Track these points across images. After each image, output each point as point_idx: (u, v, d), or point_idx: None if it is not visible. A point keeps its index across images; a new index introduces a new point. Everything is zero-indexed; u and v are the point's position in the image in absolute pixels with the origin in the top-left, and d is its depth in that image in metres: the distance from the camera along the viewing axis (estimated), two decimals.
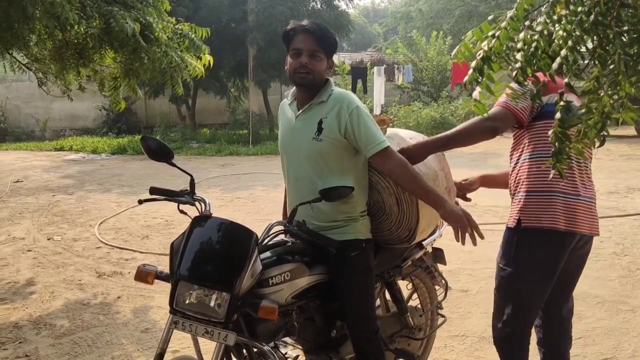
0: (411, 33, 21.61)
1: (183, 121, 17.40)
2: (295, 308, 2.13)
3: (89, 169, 11.43)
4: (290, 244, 2.21)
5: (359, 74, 17.15)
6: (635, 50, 1.35)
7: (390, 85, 18.00)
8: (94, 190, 8.87)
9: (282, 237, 2.20)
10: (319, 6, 15.92)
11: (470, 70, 1.66)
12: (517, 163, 2.25)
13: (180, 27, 4.34)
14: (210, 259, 1.92)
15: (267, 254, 2.10)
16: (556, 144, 1.46)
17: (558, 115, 1.44)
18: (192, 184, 2.14)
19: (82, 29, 3.98)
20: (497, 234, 5.57)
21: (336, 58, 18.68)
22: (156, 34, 3.85)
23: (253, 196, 7.92)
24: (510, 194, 2.28)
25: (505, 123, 2.17)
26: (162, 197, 2.15)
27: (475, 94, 1.85)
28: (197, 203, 2.09)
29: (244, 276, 1.82)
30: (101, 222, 6.55)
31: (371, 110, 16.77)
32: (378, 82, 16.16)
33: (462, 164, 9.12)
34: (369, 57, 22.41)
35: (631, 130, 13.31)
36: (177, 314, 1.85)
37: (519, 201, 2.18)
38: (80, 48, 4.23)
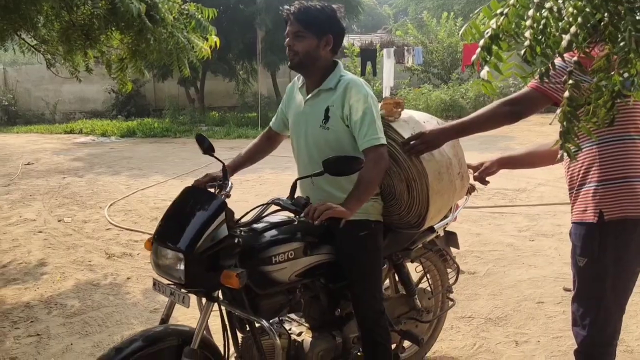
0: (421, 14, 21.32)
1: (192, 104, 17.38)
2: (299, 286, 2.15)
3: (98, 151, 11.49)
4: (296, 222, 2.22)
5: (368, 56, 16.98)
6: None
7: (399, 68, 17.80)
8: (104, 172, 8.92)
9: (290, 215, 2.21)
10: None
11: (479, 49, 1.63)
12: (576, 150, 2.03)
13: (186, 7, 4.30)
14: (174, 222, 2.01)
15: (273, 232, 2.11)
16: (564, 123, 1.43)
17: (566, 94, 1.41)
18: (225, 170, 2.30)
19: (88, 10, 3.97)
20: (506, 217, 5.60)
21: (345, 40, 18.53)
22: (162, 14, 3.82)
23: (262, 179, 7.93)
24: (572, 185, 2.07)
25: (531, 106, 2.01)
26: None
27: (484, 73, 1.79)
28: (217, 186, 2.24)
29: (200, 238, 1.87)
30: (111, 204, 6.60)
31: (380, 93, 16.68)
32: (387, 64, 15.99)
33: (472, 146, 9.01)
34: (378, 39, 22.15)
35: None
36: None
37: (593, 192, 1.96)
38: (86, 29, 4.20)
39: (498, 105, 2.08)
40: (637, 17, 1.33)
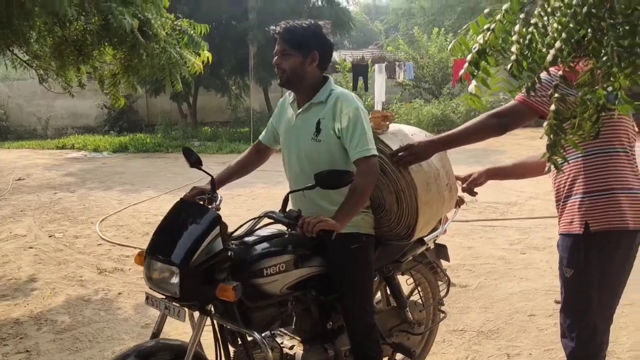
0: (412, 30, 21.54)
1: (184, 119, 17.40)
2: (291, 299, 2.16)
3: (90, 167, 11.45)
4: (288, 235, 2.23)
5: (360, 71, 17.12)
6: (629, 42, 1.35)
7: (391, 83, 17.94)
8: (96, 188, 8.89)
9: (281, 228, 2.22)
10: (319, 3, 15.92)
11: (466, 64, 1.67)
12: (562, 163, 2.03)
13: (179, 23, 4.35)
14: (168, 236, 2.02)
15: (264, 244, 2.12)
16: (551, 136, 1.46)
17: (553, 107, 1.45)
18: (213, 183, 2.31)
19: (80, 25, 4.00)
20: (497, 230, 5.63)
21: (337, 55, 18.69)
22: (154, 30, 3.86)
23: (254, 193, 7.93)
24: (559, 197, 2.10)
25: (518, 119, 2.05)
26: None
27: (472, 88, 1.84)
28: (206, 199, 2.24)
29: (195, 251, 1.87)
30: (102, 220, 6.56)
31: (372, 107, 16.76)
32: (379, 79, 16.10)
33: (461, 160, 9.09)
34: (370, 54, 22.37)
35: None
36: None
37: (579, 204, 1.99)
38: (79, 44, 4.24)
39: (486, 117, 2.12)
40: (619, 33, 1.36)
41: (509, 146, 11.28)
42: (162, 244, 1.99)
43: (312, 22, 2.18)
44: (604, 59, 1.36)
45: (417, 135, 2.44)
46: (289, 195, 2.16)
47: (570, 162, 2.03)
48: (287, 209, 2.09)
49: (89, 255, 5.21)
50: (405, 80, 17.92)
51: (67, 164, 11.96)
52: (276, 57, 2.19)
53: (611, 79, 1.40)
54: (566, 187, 2.07)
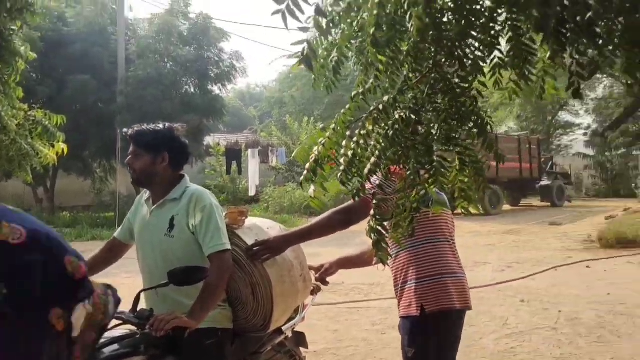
0: (285, 117, 22.69)
1: (39, 204, 16.10)
2: None
3: None
4: (139, 335, 2.17)
5: (234, 155, 17.51)
6: (428, 160, 1.66)
7: (265, 167, 18.51)
8: None
9: (133, 328, 2.16)
10: (192, 90, 16.18)
11: (305, 172, 1.90)
12: (397, 253, 2.33)
13: (32, 113, 4.20)
14: None
15: (113, 347, 2.04)
16: (372, 235, 1.69)
17: (372, 212, 1.69)
18: None
19: None
20: (362, 312, 5.86)
21: (211, 139, 18.84)
22: (4, 122, 3.69)
23: (116, 284, 7.16)
24: (397, 282, 2.36)
25: (358, 215, 2.30)
26: None
27: (311, 191, 2.05)
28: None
29: None
30: None
31: (247, 191, 16.97)
32: (252, 163, 16.57)
33: (328, 242, 9.44)
34: (245, 139, 22.98)
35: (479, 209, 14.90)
36: None
37: (414, 289, 2.25)
38: None
39: (331, 214, 2.38)
40: (419, 152, 1.67)
41: None
42: None
43: (165, 125, 2.32)
44: (409, 173, 1.65)
45: (272, 229, 2.59)
46: (141, 293, 2.14)
47: (402, 252, 2.33)
48: (140, 308, 2.06)
49: None
50: (278, 164, 18.61)
51: None
52: (129, 157, 2.29)
53: (417, 187, 1.69)
54: (402, 274, 2.35)
